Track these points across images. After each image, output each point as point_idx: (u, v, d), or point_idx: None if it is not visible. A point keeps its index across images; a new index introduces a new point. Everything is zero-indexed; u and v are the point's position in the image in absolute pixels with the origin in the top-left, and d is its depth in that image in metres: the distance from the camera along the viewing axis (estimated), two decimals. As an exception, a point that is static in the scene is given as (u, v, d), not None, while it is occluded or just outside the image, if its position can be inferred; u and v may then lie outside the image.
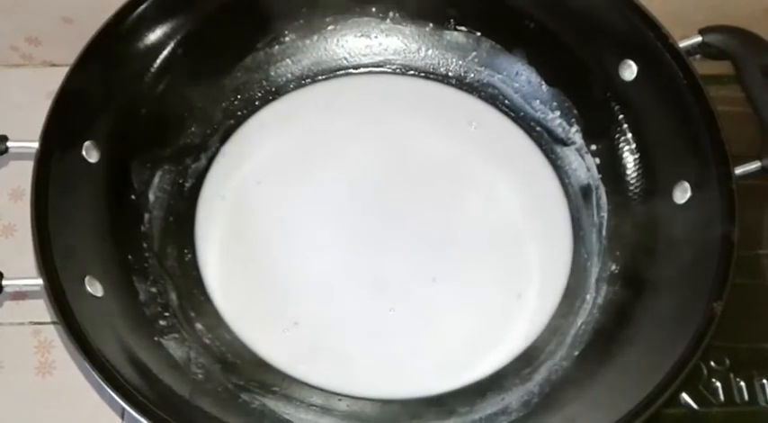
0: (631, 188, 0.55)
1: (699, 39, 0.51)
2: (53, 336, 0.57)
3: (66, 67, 0.49)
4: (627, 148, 0.55)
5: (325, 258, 0.55)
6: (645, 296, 0.50)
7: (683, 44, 0.51)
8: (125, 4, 0.51)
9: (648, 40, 0.51)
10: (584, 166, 0.58)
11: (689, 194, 0.50)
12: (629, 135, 0.55)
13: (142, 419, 0.42)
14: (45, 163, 0.47)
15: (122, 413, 0.54)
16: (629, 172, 0.55)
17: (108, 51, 0.51)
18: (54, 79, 0.49)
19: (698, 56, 0.52)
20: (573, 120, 0.58)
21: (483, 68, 0.61)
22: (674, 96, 0.50)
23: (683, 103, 0.50)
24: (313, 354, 0.52)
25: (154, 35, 0.54)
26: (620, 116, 0.55)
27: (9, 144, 0.48)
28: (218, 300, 0.53)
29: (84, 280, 0.46)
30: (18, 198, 0.61)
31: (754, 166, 0.49)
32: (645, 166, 0.54)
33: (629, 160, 0.55)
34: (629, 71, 0.54)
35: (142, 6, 0.52)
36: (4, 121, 0.52)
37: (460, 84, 0.61)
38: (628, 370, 0.47)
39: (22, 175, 0.57)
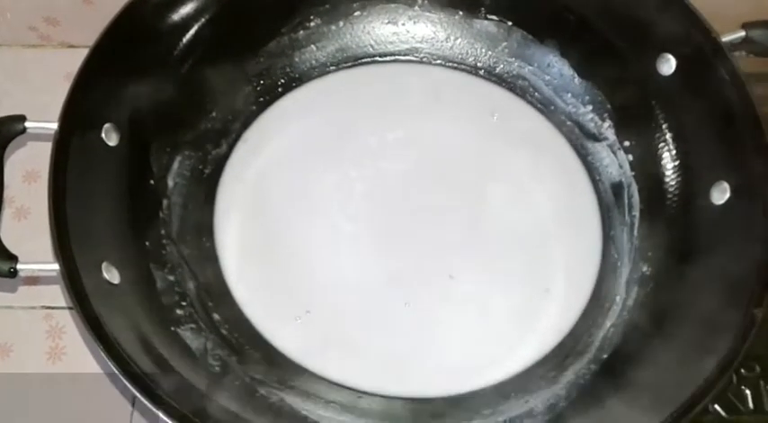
0: (665, 187, 0.53)
1: (742, 33, 0.49)
2: (65, 321, 0.56)
3: (85, 48, 0.48)
4: (662, 145, 0.54)
5: (341, 247, 0.54)
6: (678, 300, 0.49)
7: (725, 39, 0.49)
8: (148, -16, 0.50)
9: (689, 32, 0.50)
10: (615, 162, 0.56)
11: (728, 195, 0.49)
12: (666, 132, 0.54)
13: (156, 411, 0.41)
14: (64, 144, 0.46)
15: (133, 401, 0.54)
16: (663, 170, 0.54)
17: (130, 32, 0.50)
18: (72, 61, 0.48)
19: (740, 52, 0.50)
20: (606, 114, 0.57)
21: (513, 59, 0.59)
22: (715, 93, 0.49)
23: (724, 101, 0.48)
24: (324, 344, 0.51)
25: (177, 16, 0.53)
26: (657, 112, 0.54)
27: (27, 124, 0.47)
28: (236, 289, 0.53)
29: (100, 266, 0.45)
30: (32, 180, 0.60)
31: (797, 167, 0.47)
32: (681, 165, 0.53)
33: (665, 158, 0.54)
34: (668, 65, 0.52)
35: (166, -14, 0.51)
36: (22, 102, 0.51)
37: (489, 74, 0.60)
38: (659, 378, 0.46)
39: (36, 157, 0.57)
